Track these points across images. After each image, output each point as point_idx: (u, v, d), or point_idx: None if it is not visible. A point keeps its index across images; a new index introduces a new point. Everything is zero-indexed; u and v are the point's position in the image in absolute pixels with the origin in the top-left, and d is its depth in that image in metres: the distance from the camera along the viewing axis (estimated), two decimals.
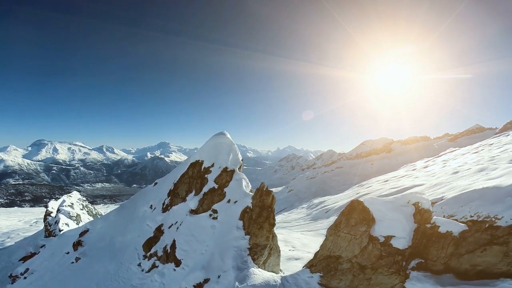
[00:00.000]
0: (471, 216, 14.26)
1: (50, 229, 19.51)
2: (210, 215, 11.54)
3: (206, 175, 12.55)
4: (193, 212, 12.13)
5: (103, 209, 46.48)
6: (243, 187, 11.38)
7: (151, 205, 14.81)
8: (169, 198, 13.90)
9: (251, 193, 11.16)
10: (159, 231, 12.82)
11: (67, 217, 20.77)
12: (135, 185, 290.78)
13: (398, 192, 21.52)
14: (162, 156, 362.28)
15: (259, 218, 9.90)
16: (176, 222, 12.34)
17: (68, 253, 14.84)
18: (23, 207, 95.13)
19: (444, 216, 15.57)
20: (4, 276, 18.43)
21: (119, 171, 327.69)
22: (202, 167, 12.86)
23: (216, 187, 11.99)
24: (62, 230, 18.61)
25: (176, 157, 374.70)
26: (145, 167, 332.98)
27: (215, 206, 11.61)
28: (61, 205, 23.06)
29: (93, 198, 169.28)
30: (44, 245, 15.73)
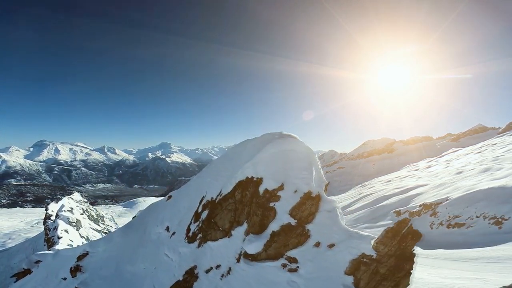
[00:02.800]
0: (477, 217, 14.09)
1: (49, 235, 19.13)
2: (284, 265, 7.69)
3: (271, 203, 8.08)
4: (250, 257, 8.02)
5: (105, 209, 46.42)
6: (342, 223, 7.62)
7: (167, 227, 11.49)
8: (197, 224, 10.02)
9: (366, 233, 7.34)
10: (191, 275, 9.27)
11: (66, 223, 20.12)
12: (136, 185, 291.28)
13: (402, 192, 21.31)
14: (164, 157, 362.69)
15: (395, 273, 6.10)
16: (219, 266, 8.75)
17: (65, 279, 12.66)
18: (25, 207, 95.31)
19: (449, 217, 15.40)
20: (4, 281, 18.28)
21: (120, 171, 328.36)
22: (262, 189, 8.34)
23: (293, 223, 7.75)
24: (61, 237, 18.04)
25: (177, 157, 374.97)
26: (146, 168, 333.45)
27: (292, 252, 7.62)
28: (60, 210, 22.13)
29: (94, 199, 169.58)
30: (39, 261, 14.10)
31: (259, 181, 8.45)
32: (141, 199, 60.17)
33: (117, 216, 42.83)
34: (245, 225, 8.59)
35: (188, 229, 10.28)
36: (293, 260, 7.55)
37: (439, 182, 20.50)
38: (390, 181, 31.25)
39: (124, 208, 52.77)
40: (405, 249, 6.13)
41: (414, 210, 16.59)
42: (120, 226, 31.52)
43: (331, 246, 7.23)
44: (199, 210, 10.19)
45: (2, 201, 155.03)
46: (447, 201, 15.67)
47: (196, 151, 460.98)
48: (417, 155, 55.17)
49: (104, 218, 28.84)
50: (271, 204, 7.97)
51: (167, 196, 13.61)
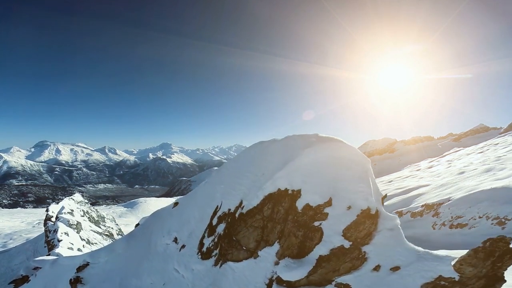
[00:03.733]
0: (480, 217, 14.00)
1: (49, 237, 18.96)
2: None
3: (316, 222, 6.63)
4: (286, 283, 6.69)
5: (106, 210, 46.47)
6: (407, 242, 6.45)
7: (175, 238, 10.37)
8: (213, 239, 8.68)
9: (442, 253, 6.17)
10: None
11: (66, 225, 19.84)
12: (137, 185, 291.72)
13: (404, 193, 21.23)
14: (164, 157, 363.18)
15: None
16: None
17: None
18: (26, 208, 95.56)
19: (452, 217, 15.31)
20: (4, 283, 18.24)
21: (121, 172, 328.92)
22: (301, 204, 6.83)
23: (347, 246, 6.43)
24: (61, 240, 17.79)
25: (178, 158, 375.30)
26: (147, 168, 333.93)
27: (344, 278, 6.39)
28: (60, 212, 21.83)
29: (95, 199, 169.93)
30: (37, 268, 13.47)
31: (297, 194, 6.97)
32: (142, 199, 60.18)
33: (118, 217, 42.85)
34: (276, 246, 7.18)
35: (201, 243, 9.02)
36: (346, 287, 6.26)
37: (441, 182, 20.40)
38: (391, 181, 31.15)
39: (125, 209, 52.78)
40: (499, 269, 5.10)
41: (416, 211, 16.50)
42: (121, 227, 31.53)
43: (396, 269, 6.05)
44: (214, 222, 8.80)
45: (4, 201, 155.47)
46: (450, 202, 15.58)
47: (197, 152, 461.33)
48: (419, 155, 55.04)
49: (105, 219, 28.83)
50: (316, 224, 6.53)
51: (173, 203, 12.52)
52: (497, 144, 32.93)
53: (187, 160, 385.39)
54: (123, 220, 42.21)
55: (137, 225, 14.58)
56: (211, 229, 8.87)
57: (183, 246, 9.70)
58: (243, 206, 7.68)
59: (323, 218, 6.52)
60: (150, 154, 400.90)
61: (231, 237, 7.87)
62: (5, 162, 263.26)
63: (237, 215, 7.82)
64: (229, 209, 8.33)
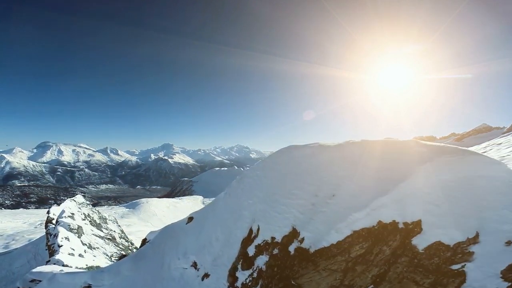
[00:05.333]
0: None
1: (49, 242, 18.78)
2: None
3: (454, 265, 4.66)
4: None
5: (107, 211, 46.56)
6: None
7: (194, 263, 8.70)
8: (250, 274, 6.68)
9: None
10: None
11: (67, 230, 19.38)
12: (139, 186, 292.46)
13: None
14: (166, 158, 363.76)
15: None
16: None
17: None
18: (29, 208, 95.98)
19: None
20: (5, 287, 18.18)
21: (123, 172, 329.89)
22: (423, 241, 4.83)
23: None
24: (61, 245, 17.51)
25: (179, 158, 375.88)
26: (149, 169, 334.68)
27: None
28: (60, 216, 21.43)
29: (97, 200, 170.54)
30: (34, 280, 12.57)
31: (414, 229, 4.96)
32: (143, 200, 60.27)
33: (119, 217, 42.91)
34: None
35: (233, 277, 7.08)
36: None
37: None
38: None
39: (127, 209, 52.87)
40: None
41: None
42: (123, 228, 31.54)
43: None
44: (251, 252, 6.78)
45: (6, 202, 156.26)
46: None
47: (198, 152, 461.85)
48: None
49: (107, 220, 28.80)
50: (455, 267, 4.65)
51: (187, 218, 10.92)
52: (500, 144, 32.67)
53: (189, 160, 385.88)
54: (125, 221, 42.28)
55: (143, 240, 13.37)
56: (246, 260, 6.91)
57: (207, 275, 7.91)
58: (303, 239, 5.45)
59: (466, 258, 4.68)
60: (152, 154, 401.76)
61: (286, 279, 5.66)
62: (7, 163, 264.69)
63: (291, 249, 5.60)
64: (274, 238, 6.24)
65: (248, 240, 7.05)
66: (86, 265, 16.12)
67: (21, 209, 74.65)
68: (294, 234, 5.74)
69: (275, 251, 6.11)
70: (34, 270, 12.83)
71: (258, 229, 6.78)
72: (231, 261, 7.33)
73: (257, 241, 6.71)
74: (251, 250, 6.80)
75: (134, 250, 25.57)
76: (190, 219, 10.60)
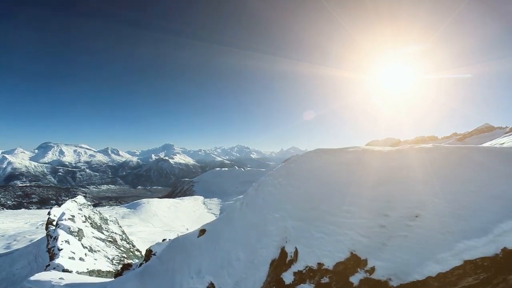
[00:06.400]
0: None
1: (50, 245, 18.45)
2: None
3: None
4: None
5: (108, 211, 46.54)
6: None
7: (211, 284, 7.21)
8: None
9: None
10: None
11: (67, 233, 18.89)
12: (140, 186, 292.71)
13: None
14: (167, 158, 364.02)
15: None
16: None
17: None
18: (30, 209, 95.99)
19: None
20: None
21: (124, 173, 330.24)
22: None
23: None
24: (61, 249, 17.15)
25: (180, 158, 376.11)
26: (149, 169, 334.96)
27: None
28: (60, 218, 21.15)
29: (98, 200, 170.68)
30: None
31: None
32: (144, 200, 60.26)
33: (120, 218, 42.87)
34: None
35: None
36: None
37: None
38: None
39: (128, 210, 52.85)
40: None
41: None
42: (124, 228, 31.47)
43: None
44: (288, 279, 5.23)
45: (8, 202, 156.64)
46: None
47: (199, 152, 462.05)
48: None
49: (108, 221, 28.70)
50: None
51: (199, 230, 9.70)
52: (503, 143, 32.48)
53: (189, 161, 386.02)
54: (126, 221, 42.26)
55: (148, 251, 12.47)
56: (278, 284, 5.43)
57: None
58: (373, 269, 4.03)
59: None
60: (153, 155, 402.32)
61: None
62: (9, 163, 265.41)
63: (354, 280, 4.17)
64: (321, 264, 4.83)
65: (281, 264, 5.58)
66: (87, 269, 15.81)
67: (22, 209, 74.70)
68: (356, 261, 4.38)
69: (325, 279, 4.71)
70: (32, 278, 11.95)
71: (296, 252, 5.31)
72: (259, 287, 5.99)
73: (297, 266, 5.20)
74: (287, 278, 5.30)
75: (136, 253, 25.46)
76: (202, 231, 9.26)
